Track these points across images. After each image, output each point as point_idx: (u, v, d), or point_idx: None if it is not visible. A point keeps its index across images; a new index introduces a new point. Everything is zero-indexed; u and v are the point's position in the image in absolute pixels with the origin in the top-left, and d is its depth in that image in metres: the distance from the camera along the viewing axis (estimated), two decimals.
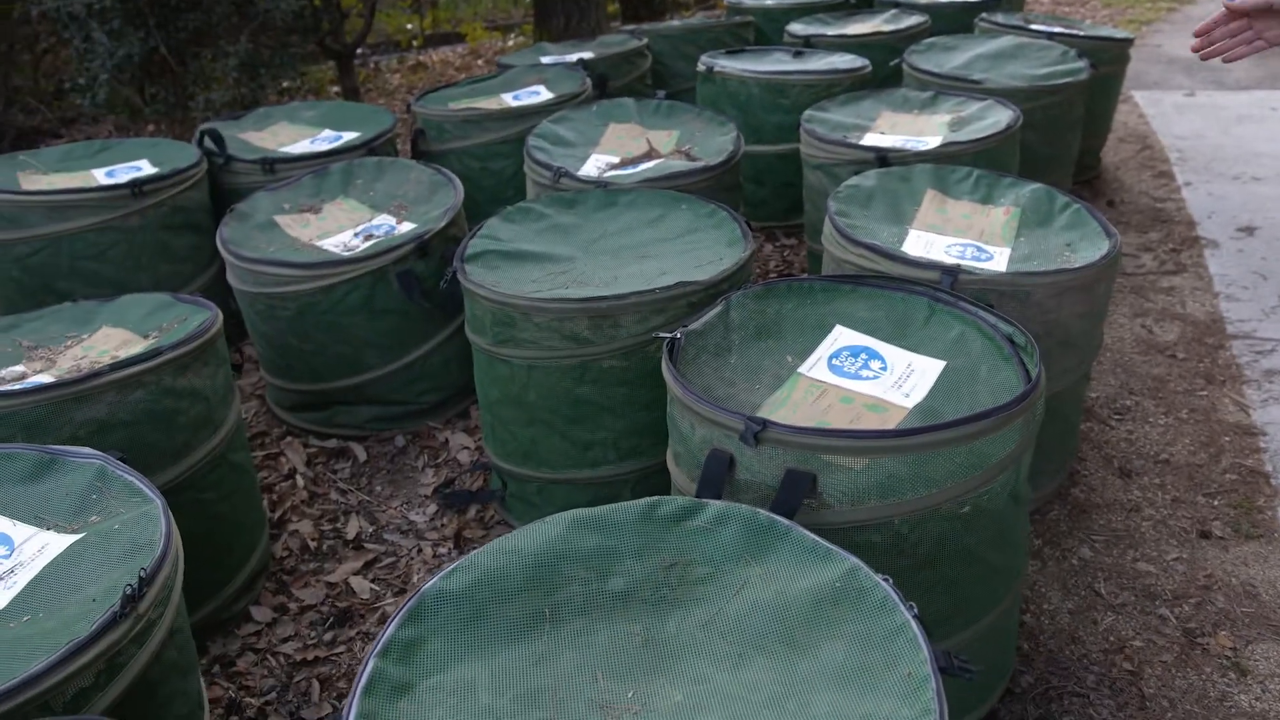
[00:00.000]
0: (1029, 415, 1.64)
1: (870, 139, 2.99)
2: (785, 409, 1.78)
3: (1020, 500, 1.71)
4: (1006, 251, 2.26)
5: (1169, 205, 3.93)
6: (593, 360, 2.08)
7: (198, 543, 2.05)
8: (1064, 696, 1.88)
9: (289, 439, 2.75)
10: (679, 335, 1.87)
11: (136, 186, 2.85)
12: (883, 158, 2.81)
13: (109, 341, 2.21)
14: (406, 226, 2.73)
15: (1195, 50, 1.81)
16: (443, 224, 2.62)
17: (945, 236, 2.33)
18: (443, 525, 2.40)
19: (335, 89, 5.92)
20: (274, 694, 1.97)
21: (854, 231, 2.24)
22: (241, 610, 2.17)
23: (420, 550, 2.32)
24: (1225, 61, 1.79)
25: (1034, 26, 4.12)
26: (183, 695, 1.50)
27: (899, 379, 1.83)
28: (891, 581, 1.23)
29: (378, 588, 2.23)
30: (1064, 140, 3.55)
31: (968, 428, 1.54)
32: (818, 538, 1.30)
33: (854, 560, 1.26)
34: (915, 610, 1.18)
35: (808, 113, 3.16)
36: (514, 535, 1.33)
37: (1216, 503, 2.35)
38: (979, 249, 2.27)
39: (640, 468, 2.21)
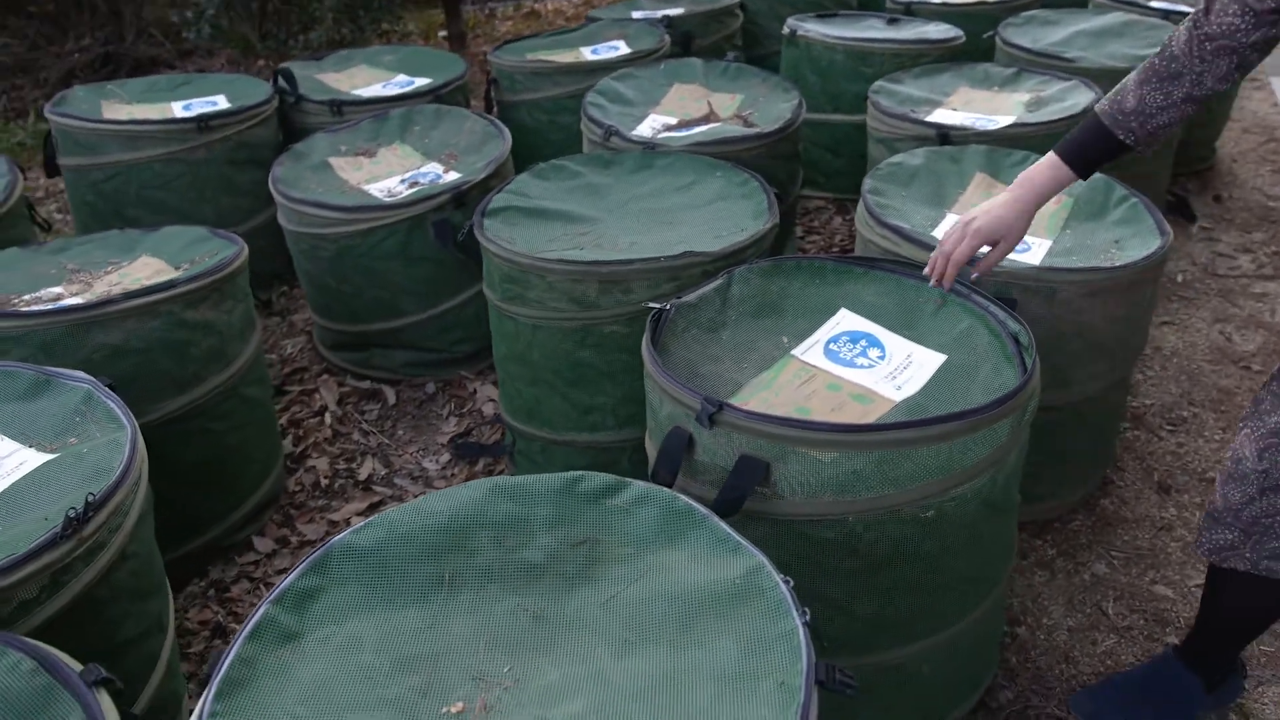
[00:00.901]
0: (1013, 420, 1.55)
1: (938, 115, 2.85)
2: (767, 391, 1.73)
3: (999, 507, 1.62)
4: (1047, 244, 2.13)
5: None
6: (594, 324, 2.06)
7: (203, 470, 2.14)
8: (1041, 718, 1.78)
9: (325, 377, 2.82)
10: (669, 306, 1.83)
11: (203, 121, 2.94)
12: (944, 135, 2.67)
13: (145, 270, 2.29)
14: (452, 176, 2.74)
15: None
16: (483, 175, 2.62)
17: None
18: (452, 475, 2.43)
19: (443, 33, 5.98)
20: None
21: (883, 212, 2.14)
22: (245, 539, 2.24)
23: None
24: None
25: (1154, 4, 3.84)
26: (134, 617, 1.56)
27: (895, 370, 1.75)
28: (792, 585, 1.17)
29: None
30: None
31: (933, 429, 1.46)
32: (730, 530, 1.26)
33: (760, 558, 1.21)
34: (808, 617, 1.13)
35: (878, 83, 3.03)
36: (433, 496, 1.33)
37: None
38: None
39: (639, 436, 2.17)
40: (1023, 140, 2.59)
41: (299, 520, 2.31)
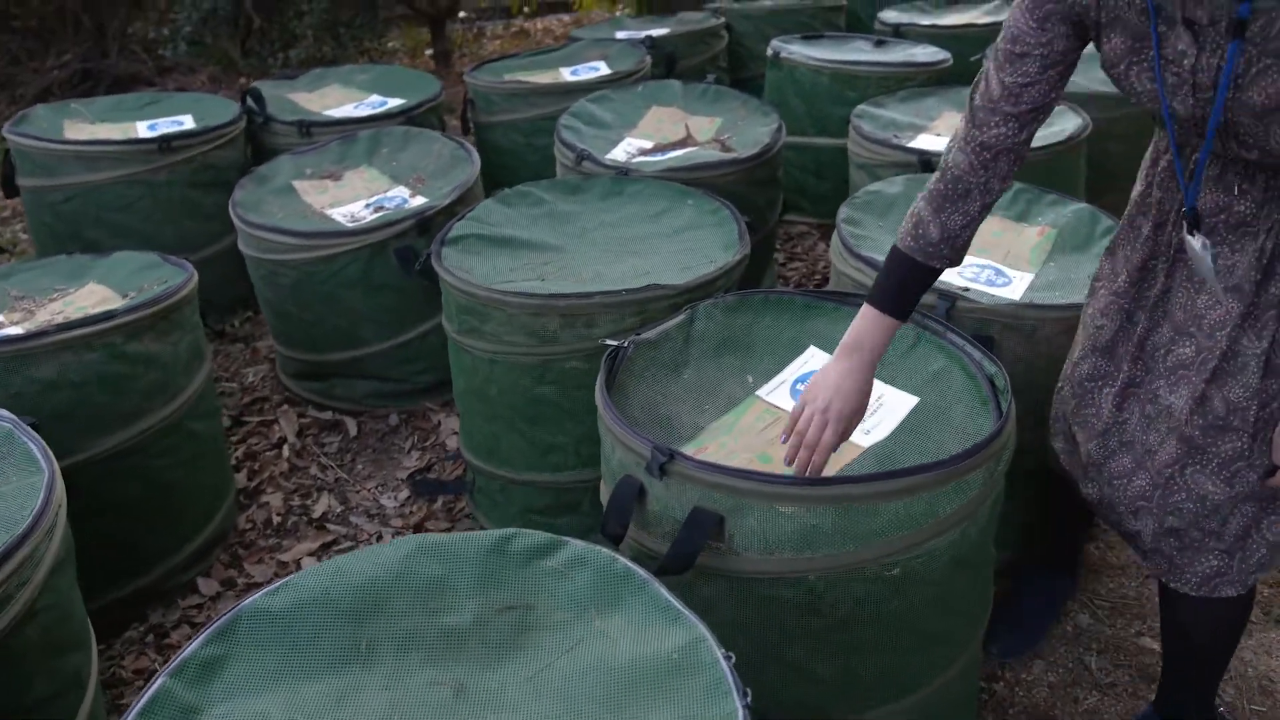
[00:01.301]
0: (985, 470, 1.45)
1: (921, 140, 2.76)
2: (728, 436, 1.63)
3: (971, 563, 1.52)
4: (1029, 277, 2.04)
5: None
6: (554, 360, 1.96)
7: (144, 509, 2.04)
8: None
9: (286, 407, 2.73)
10: (627, 344, 1.74)
11: (165, 142, 2.85)
12: (926, 162, 2.59)
13: (90, 298, 2.20)
14: (418, 201, 2.65)
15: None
16: (447, 201, 2.54)
17: (969, 255, 2.11)
18: (410, 513, 2.33)
19: (429, 51, 5.92)
20: None
21: (858, 243, 2.05)
22: (190, 580, 2.14)
23: (380, 537, 2.26)
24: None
25: None
26: (46, 674, 1.46)
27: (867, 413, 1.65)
28: (734, 660, 1.08)
29: None
30: None
31: (899, 482, 1.37)
32: (671, 597, 1.16)
33: (701, 630, 1.11)
34: (749, 699, 1.03)
35: (861, 107, 2.95)
36: (352, 556, 1.23)
37: None
38: (998, 272, 2.05)
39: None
40: None
41: (247, 560, 2.21)
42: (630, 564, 1.19)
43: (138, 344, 1.97)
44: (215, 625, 1.16)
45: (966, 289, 1.95)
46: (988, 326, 1.86)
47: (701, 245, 2.17)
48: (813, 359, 1.80)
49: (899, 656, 1.49)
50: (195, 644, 1.14)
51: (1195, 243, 1.34)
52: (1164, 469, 1.48)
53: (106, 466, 1.95)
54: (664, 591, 1.16)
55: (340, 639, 1.15)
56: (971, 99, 1.36)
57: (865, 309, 1.42)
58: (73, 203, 2.86)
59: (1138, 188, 1.54)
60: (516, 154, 3.44)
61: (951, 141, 1.39)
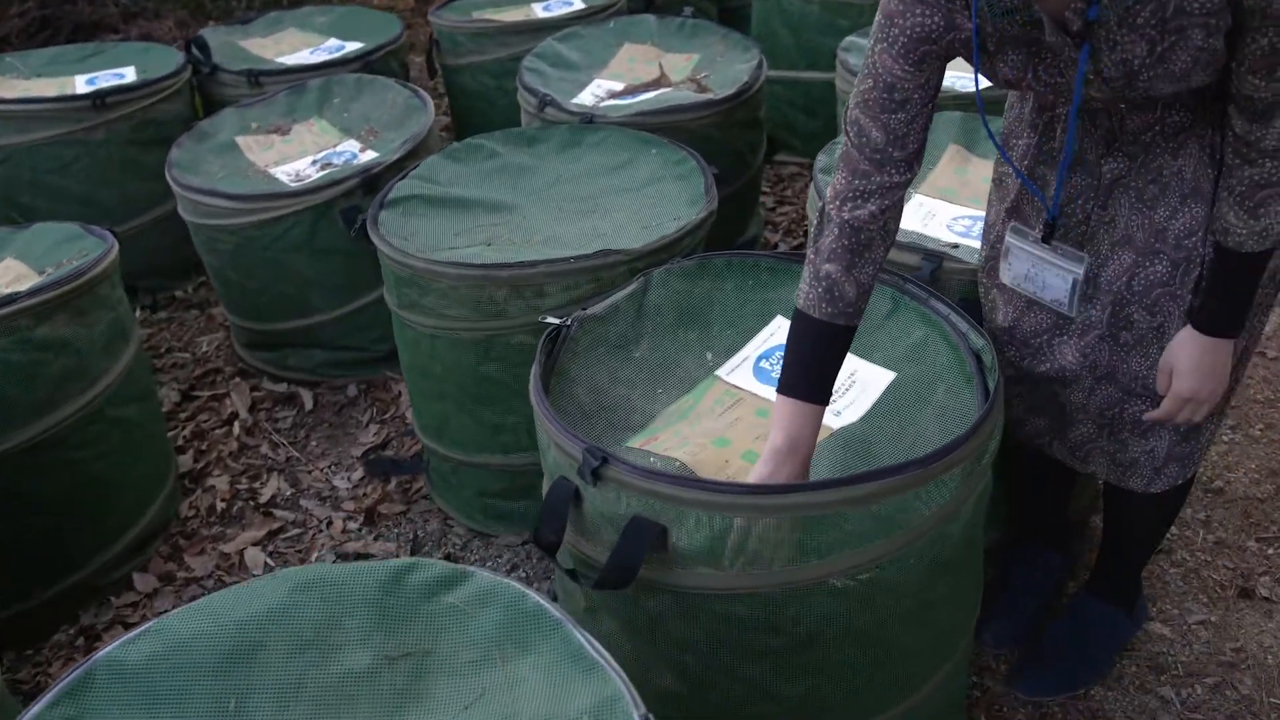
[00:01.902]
0: (966, 466, 1.28)
1: None
2: (684, 422, 1.46)
3: (954, 564, 1.35)
4: None
5: None
6: (500, 334, 1.79)
7: (66, 504, 1.90)
8: None
9: (238, 380, 2.57)
10: (569, 322, 1.56)
11: (99, 98, 2.65)
12: None
13: (5, 275, 2.03)
14: (368, 155, 2.46)
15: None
16: (396, 157, 2.33)
17: (956, 206, 1.91)
18: (364, 495, 2.18)
19: None
20: None
21: None
22: (125, 576, 2.00)
23: (330, 523, 2.11)
24: None
25: None
26: None
27: (835, 391, 1.47)
28: None
29: (272, 563, 2.03)
30: None
31: (862, 488, 1.19)
32: (588, 641, 0.99)
33: (618, 685, 0.95)
34: None
35: (849, 39, 2.71)
36: (225, 594, 1.07)
37: (1271, 551, 1.91)
38: None
39: None
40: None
41: (189, 551, 2.07)
42: (542, 601, 1.03)
43: (46, 328, 1.81)
44: (64, 682, 1.01)
45: (956, 245, 1.76)
46: (974, 289, 1.66)
47: (666, 200, 1.98)
48: (780, 330, 1.62)
49: (869, 674, 1.33)
50: (41, 704, 0.99)
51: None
52: (1102, 368, 1.43)
53: (21, 461, 1.80)
54: (578, 635, 1.00)
55: (206, 694, 1.00)
56: (850, 154, 1.27)
57: (786, 404, 1.28)
58: (4, 165, 2.67)
59: (1020, 142, 1.44)
60: (486, 98, 3.22)
61: (835, 199, 1.29)
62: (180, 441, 2.36)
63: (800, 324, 1.31)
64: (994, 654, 1.76)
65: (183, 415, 2.46)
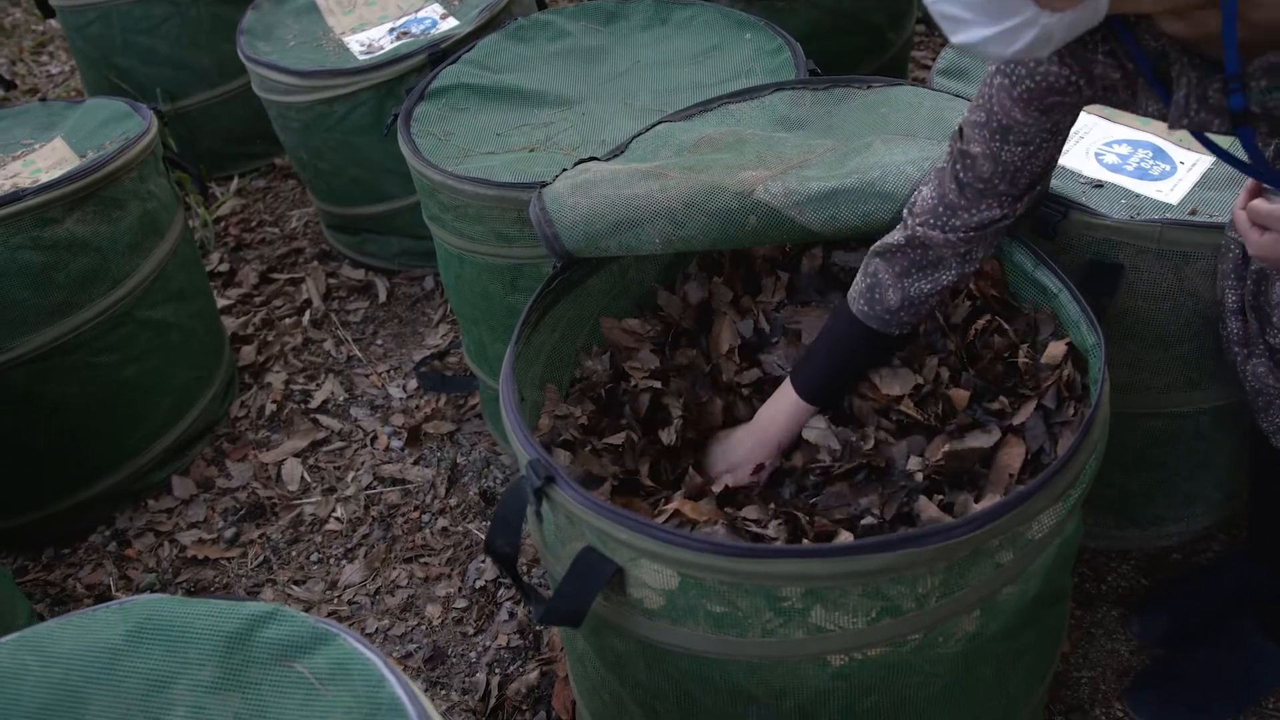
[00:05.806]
0: (1038, 521, 0.95)
1: None
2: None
3: (1008, 635, 1.04)
4: (1204, 165, 1.39)
5: None
6: (528, 264, 1.53)
7: (92, 410, 1.82)
8: None
9: (315, 264, 2.43)
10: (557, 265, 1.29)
11: None
12: None
13: (49, 158, 1.93)
14: (448, 24, 2.18)
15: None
16: (471, 28, 2.06)
17: (1119, 126, 1.48)
18: (415, 408, 2.02)
19: None
20: (147, 593, 1.74)
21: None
22: (164, 478, 1.94)
23: (375, 439, 1.97)
24: None
25: None
26: None
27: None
28: None
29: (309, 478, 1.91)
30: None
31: (879, 558, 0.90)
32: None
33: None
34: None
35: None
36: (58, 625, 0.91)
37: None
38: (1159, 154, 1.42)
39: None
40: None
41: (231, 456, 1.98)
42: (404, 695, 0.81)
43: (59, 227, 1.69)
44: None
45: (1099, 184, 1.35)
46: (1112, 253, 1.27)
47: None
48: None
49: None
50: None
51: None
52: None
53: (37, 367, 1.72)
54: None
55: None
56: (955, 177, 1.08)
57: (790, 397, 1.21)
58: (96, 25, 2.57)
59: None
60: None
61: (919, 212, 1.11)
62: (250, 329, 2.26)
63: (838, 314, 1.21)
64: (1129, 644, 1.46)
65: (257, 299, 2.36)
